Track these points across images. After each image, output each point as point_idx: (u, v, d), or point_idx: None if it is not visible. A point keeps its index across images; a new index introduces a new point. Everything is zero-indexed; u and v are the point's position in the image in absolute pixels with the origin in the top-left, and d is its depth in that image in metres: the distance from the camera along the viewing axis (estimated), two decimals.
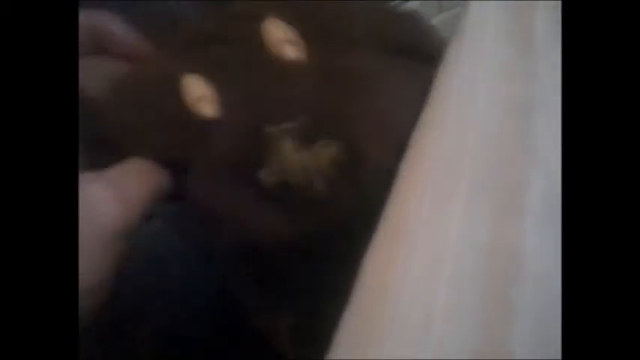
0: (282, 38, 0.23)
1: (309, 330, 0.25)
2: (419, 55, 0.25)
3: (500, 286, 0.18)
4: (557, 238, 0.18)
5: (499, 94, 0.23)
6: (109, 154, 0.23)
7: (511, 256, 0.18)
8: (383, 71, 0.23)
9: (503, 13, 0.26)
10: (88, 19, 0.25)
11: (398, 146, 0.22)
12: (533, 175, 0.20)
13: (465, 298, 0.18)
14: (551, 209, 0.19)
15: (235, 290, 0.30)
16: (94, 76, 0.25)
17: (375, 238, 0.21)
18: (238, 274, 0.29)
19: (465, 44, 0.25)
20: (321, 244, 0.24)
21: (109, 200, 0.21)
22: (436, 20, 0.97)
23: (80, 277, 0.19)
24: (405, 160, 0.23)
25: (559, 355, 0.16)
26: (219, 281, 0.32)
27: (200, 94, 0.22)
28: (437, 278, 0.18)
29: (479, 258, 0.19)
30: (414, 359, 0.17)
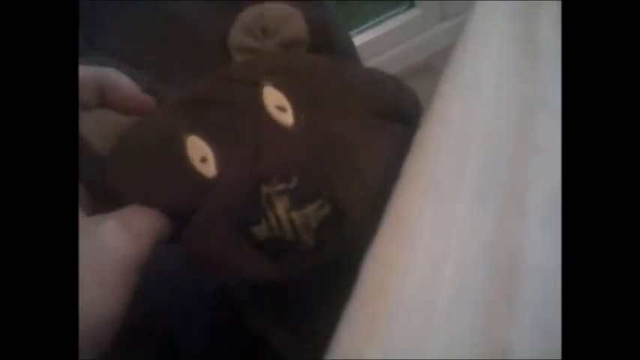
0: (277, 105, 0.25)
1: (309, 332, 0.27)
2: (400, 117, 0.27)
3: (502, 283, 0.18)
4: (560, 237, 0.18)
5: (503, 94, 0.23)
6: (113, 203, 0.25)
7: (514, 254, 0.18)
8: (367, 136, 0.25)
9: (508, 16, 0.27)
10: (94, 72, 0.26)
11: (377, 204, 0.24)
12: (536, 175, 0.20)
13: (467, 295, 0.18)
14: (554, 208, 0.19)
15: (234, 292, 0.31)
16: (98, 128, 0.27)
17: (378, 234, 0.21)
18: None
19: (469, 46, 0.26)
20: (307, 286, 0.27)
21: (123, 236, 0.22)
22: (437, 29, 0.99)
23: (95, 311, 0.20)
24: (410, 158, 0.23)
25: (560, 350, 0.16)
26: (217, 283, 0.33)
27: (202, 154, 0.24)
28: (439, 275, 0.19)
29: (482, 256, 0.19)
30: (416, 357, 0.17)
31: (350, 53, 0.43)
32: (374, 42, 1.00)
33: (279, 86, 0.25)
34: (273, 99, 0.25)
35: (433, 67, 0.97)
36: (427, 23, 1.00)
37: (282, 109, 0.25)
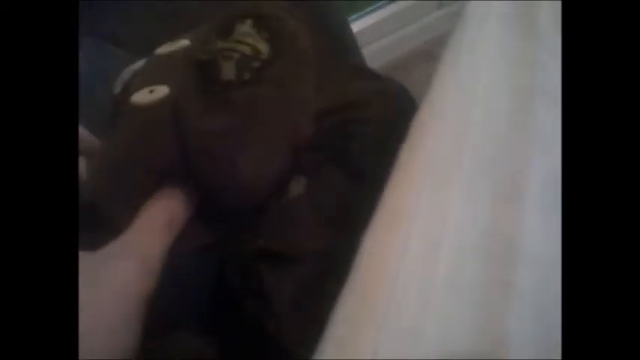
0: None
1: (305, 317, 0.26)
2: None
3: (498, 269, 0.18)
4: (556, 224, 0.18)
5: (501, 80, 0.23)
6: (104, 228, 0.24)
7: (510, 240, 0.19)
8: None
9: (506, 2, 0.27)
10: None
11: None
12: (534, 161, 0.21)
13: (463, 280, 0.18)
14: (551, 195, 0.19)
15: (233, 278, 0.30)
16: None
17: (374, 219, 0.21)
18: (236, 262, 0.30)
19: (467, 33, 0.26)
20: (306, 273, 0.27)
21: (133, 271, 0.22)
22: (435, 16, 0.98)
23: (114, 344, 0.20)
24: (407, 143, 0.23)
25: (557, 337, 0.16)
26: (217, 270, 0.33)
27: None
28: (435, 260, 0.19)
29: (478, 242, 0.19)
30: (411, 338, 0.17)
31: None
32: (371, 28, 0.99)
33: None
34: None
35: (431, 52, 0.97)
36: (423, 12, 0.99)
37: None
